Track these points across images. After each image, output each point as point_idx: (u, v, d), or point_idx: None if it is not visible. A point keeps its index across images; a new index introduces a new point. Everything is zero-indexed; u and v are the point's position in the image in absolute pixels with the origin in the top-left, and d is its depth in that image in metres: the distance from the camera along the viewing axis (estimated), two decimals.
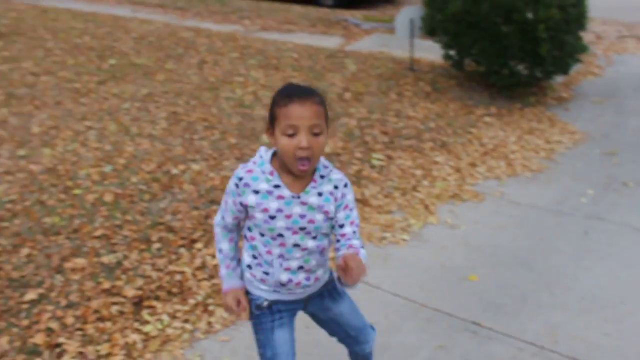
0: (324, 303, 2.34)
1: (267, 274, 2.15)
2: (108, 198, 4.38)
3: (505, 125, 6.16)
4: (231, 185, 2.10)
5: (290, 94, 1.99)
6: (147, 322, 3.29)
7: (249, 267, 2.20)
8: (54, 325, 3.22)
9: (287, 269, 2.14)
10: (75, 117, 5.86)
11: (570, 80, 7.73)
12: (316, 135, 1.98)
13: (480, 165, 5.24)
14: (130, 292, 3.47)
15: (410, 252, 4.02)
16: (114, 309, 3.35)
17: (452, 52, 7.09)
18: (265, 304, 2.20)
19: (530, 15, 6.45)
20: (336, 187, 2.12)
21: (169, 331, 3.23)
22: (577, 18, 6.77)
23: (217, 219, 2.27)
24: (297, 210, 2.05)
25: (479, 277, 3.75)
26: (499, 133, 5.94)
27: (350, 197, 2.15)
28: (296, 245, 2.10)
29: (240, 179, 2.06)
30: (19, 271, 3.62)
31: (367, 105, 6.40)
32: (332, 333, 2.52)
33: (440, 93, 6.95)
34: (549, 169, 5.23)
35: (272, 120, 2.02)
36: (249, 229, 2.16)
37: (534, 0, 6.48)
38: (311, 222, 2.08)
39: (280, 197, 2.04)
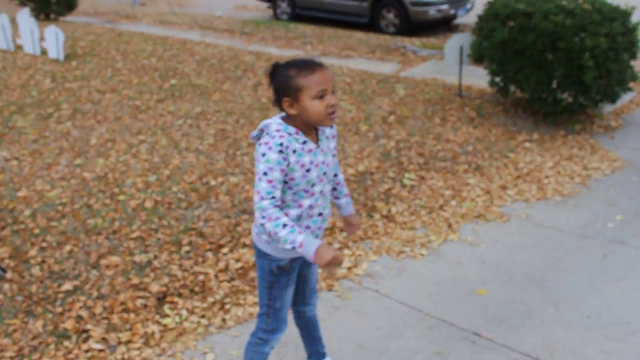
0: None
1: None
2: (148, 204, 4.73)
3: (544, 151, 6.22)
4: (273, 156, 2.31)
5: (310, 64, 2.36)
6: (166, 316, 3.57)
7: None
8: (84, 313, 3.55)
9: (311, 216, 2.50)
10: (131, 131, 6.29)
11: (622, 108, 7.67)
12: (333, 93, 2.37)
13: (511, 188, 5.33)
14: (155, 287, 3.77)
15: (424, 266, 4.17)
16: (139, 302, 3.65)
17: (498, 79, 7.19)
18: (288, 264, 2.55)
19: (576, 43, 6.51)
20: (331, 128, 2.57)
21: (186, 324, 3.50)
22: (627, 46, 6.77)
23: (265, 203, 2.32)
24: (320, 158, 2.45)
25: (488, 291, 3.87)
26: (537, 158, 6.01)
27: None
28: (320, 192, 2.49)
29: (281, 144, 2.32)
30: (59, 265, 3.98)
31: (409, 128, 6.59)
32: (297, 288, 2.82)
33: (484, 118, 7.05)
34: (581, 194, 5.26)
35: (293, 91, 2.32)
36: None
37: (580, 29, 6.54)
38: (327, 165, 2.51)
39: (310, 150, 2.41)
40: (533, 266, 4.16)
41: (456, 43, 7.77)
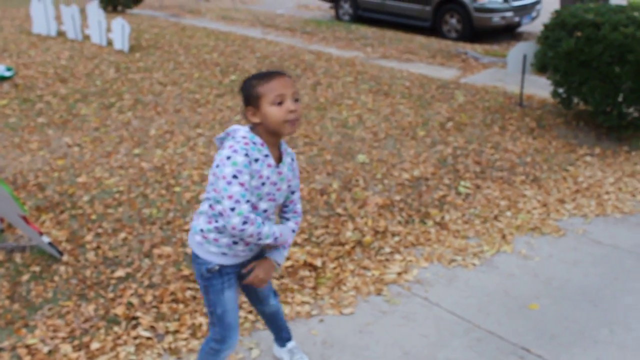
0: (250, 262, 2.69)
1: (220, 232, 2.49)
2: (203, 197, 4.78)
3: (606, 166, 6.05)
4: (239, 159, 2.31)
5: (268, 73, 2.42)
6: None
7: (202, 230, 2.52)
8: (134, 300, 3.61)
9: None
10: (190, 124, 6.38)
11: None
12: (296, 100, 2.39)
13: (569, 202, 5.20)
14: None
15: (476, 276, 4.10)
16: (188, 293, 3.69)
17: (561, 90, 7.03)
18: (216, 267, 2.55)
19: None
20: (292, 159, 2.62)
21: None
22: None
23: (245, 208, 2.32)
24: (274, 177, 2.47)
25: (540, 306, 3.78)
26: (597, 173, 5.85)
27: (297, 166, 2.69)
28: (265, 211, 2.50)
29: (246, 149, 2.33)
30: (113, 251, 4.06)
31: (467, 135, 6.49)
32: (247, 292, 2.92)
33: (544, 129, 6.90)
34: None
35: (255, 100, 2.38)
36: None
37: None
38: (279, 189, 2.53)
39: (269, 165, 2.43)
40: (588, 284, 4.05)
41: (520, 51, 7.63)
